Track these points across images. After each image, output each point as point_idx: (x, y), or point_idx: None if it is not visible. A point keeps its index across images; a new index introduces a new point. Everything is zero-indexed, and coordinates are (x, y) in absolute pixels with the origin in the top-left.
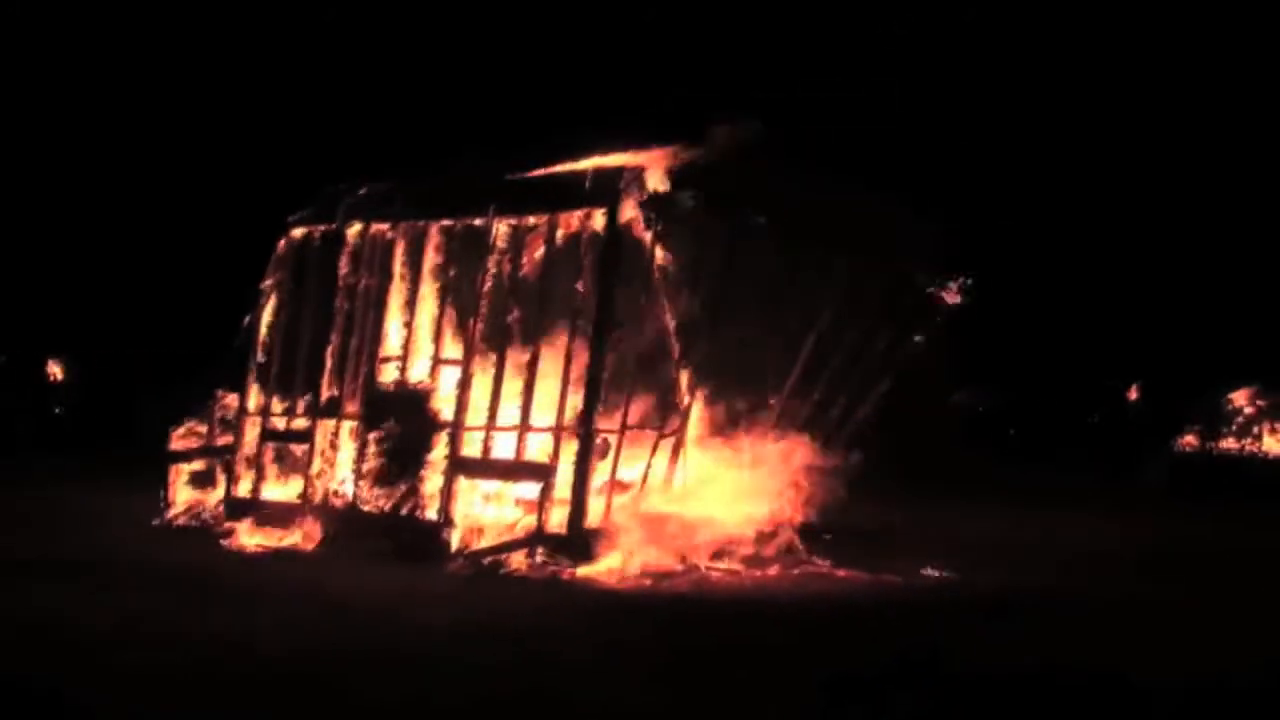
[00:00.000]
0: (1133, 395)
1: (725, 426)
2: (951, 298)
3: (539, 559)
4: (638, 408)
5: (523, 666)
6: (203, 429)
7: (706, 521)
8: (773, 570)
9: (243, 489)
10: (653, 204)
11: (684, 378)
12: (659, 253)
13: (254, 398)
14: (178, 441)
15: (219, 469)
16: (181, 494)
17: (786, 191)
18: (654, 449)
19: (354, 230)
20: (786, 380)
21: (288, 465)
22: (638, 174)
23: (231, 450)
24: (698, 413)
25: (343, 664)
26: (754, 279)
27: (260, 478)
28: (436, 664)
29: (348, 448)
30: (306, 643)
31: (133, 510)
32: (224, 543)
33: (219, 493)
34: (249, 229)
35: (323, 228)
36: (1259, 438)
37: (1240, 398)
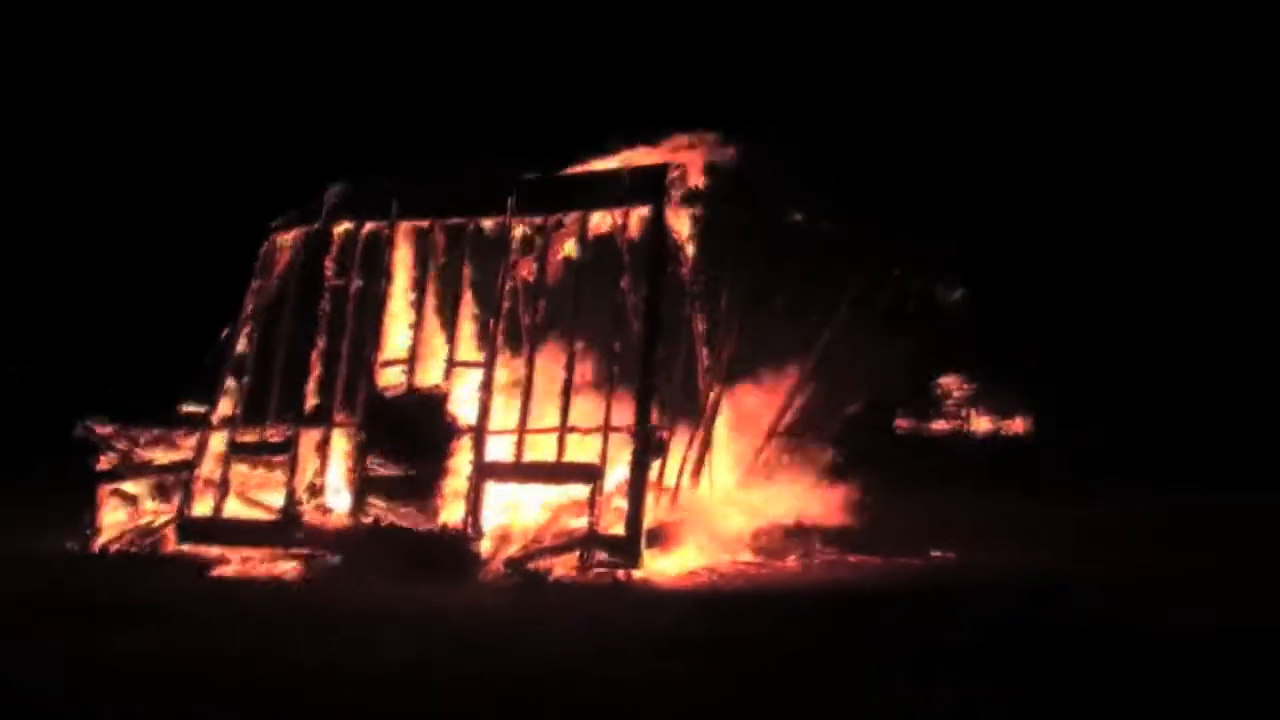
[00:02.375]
0: None
1: (745, 425)
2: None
3: (592, 562)
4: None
5: (693, 680)
6: (135, 444)
7: (734, 517)
8: (792, 561)
9: (201, 509)
10: (694, 201)
11: (709, 379)
12: (691, 251)
13: (222, 409)
14: (107, 461)
15: (165, 487)
16: (109, 517)
17: (803, 199)
18: (689, 447)
19: (342, 229)
20: (799, 379)
21: (254, 482)
22: (682, 171)
23: (189, 466)
24: (723, 412)
25: (544, 687)
26: (781, 280)
27: (224, 495)
28: (624, 682)
29: (341, 457)
30: (477, 668)
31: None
32: (203, 567)
33: (163, 513)
34: (223, 234)
35: (307, 230)
36: (966, 419)
37: (949, 383)
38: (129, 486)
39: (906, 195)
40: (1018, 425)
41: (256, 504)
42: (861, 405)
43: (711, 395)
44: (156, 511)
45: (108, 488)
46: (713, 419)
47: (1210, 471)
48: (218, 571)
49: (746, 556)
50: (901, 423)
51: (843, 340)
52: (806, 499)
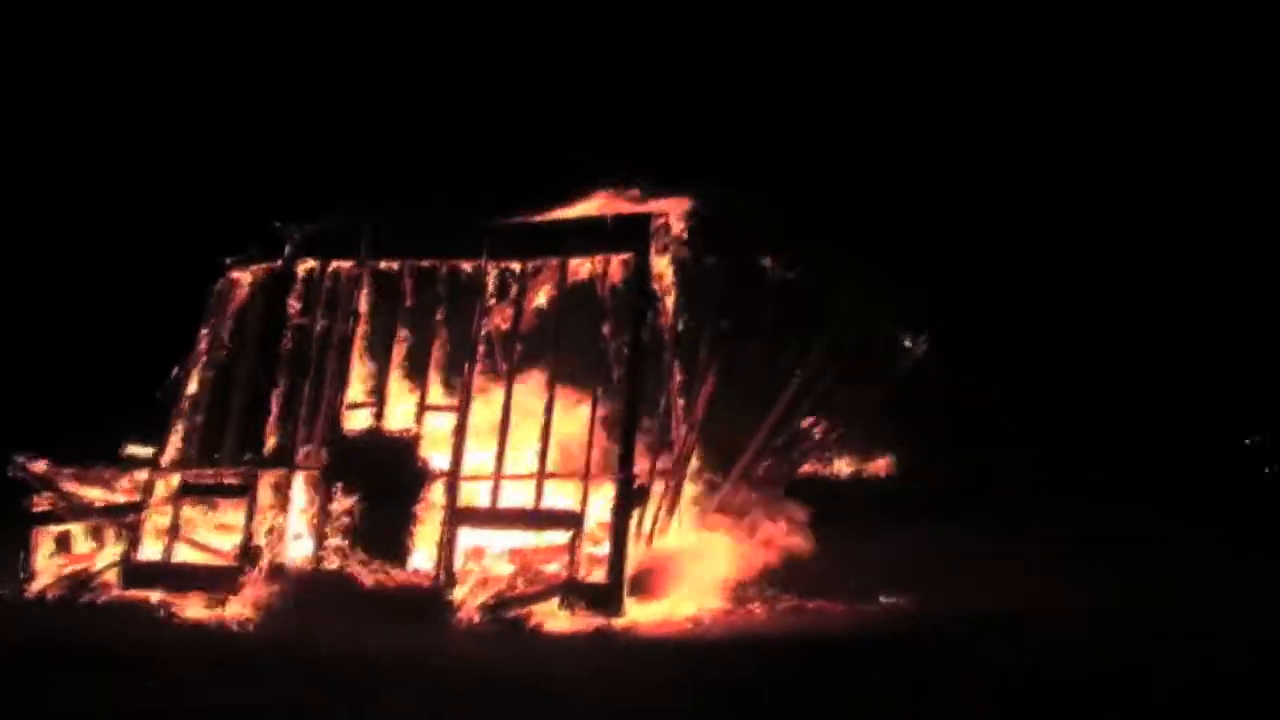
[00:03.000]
0: None
1: (712, 473)
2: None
3: (570, 610)
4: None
5: None
6: (74, 485)
7: (705, 563)
8: (757, 607)
9: (147, 552)
10: (675, 249)
11: (684, 427)
12: (671, 299)
13: (172, 449)
14: (43, 502)
15: (100, 530)
16: (43, 561)
17: (786, 252)
18: (663, 493)
19: (306, 268)
20: (762, 429)
21: (206, 525)
22: (664, 219)
23: (135, 508)
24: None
25: None
26: (756, 327)
27: (173, 539)
28: None
29: (302, 500)
30: None
31: None
32: (155, 614)
33: (103, 557)
34: (166, 270)
35: (266, 267)
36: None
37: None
38: (65, 528)
39: (879, 244)
40: (880, 465)
41: (208, 549)
42: (821, 454)
43: (686, 442)
44: (92, 555)
45: (43, 530)
46: (686, 465)
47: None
48: (168, 618)
49: (717, 603)
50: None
51: (810, 389)
52: (765, 544)
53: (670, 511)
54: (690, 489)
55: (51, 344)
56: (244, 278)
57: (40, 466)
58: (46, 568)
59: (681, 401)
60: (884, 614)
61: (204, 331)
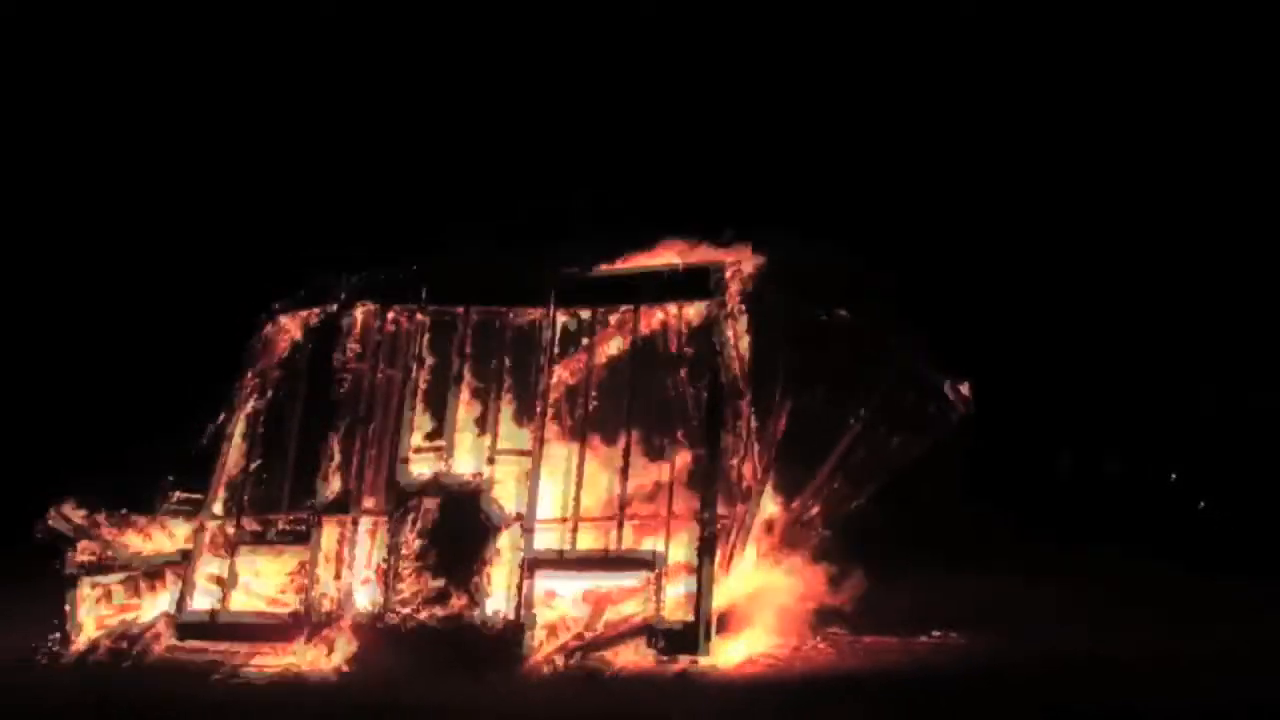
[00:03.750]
0: None
1: (776, 513)
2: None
3: (652, 652)
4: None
5: None
6: (115, 533)
7: (773, 601)
8: (820, 642)
9: (199, 603)
10: (746, 299)
11: (756, 468)
12: (744, 346)
13: (221, 497)
14: (82, 553)
15: (135, 581)
16: (85, 614)
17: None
18: (735, 534)
19: (363, 313)
20: (822, 471)
21: (262, 574)
22: (736, 268)
23: (184, 558)
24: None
25: None
26: (819, 376)
27: (229, 589)
28: None
29: (367, 548)
30: None
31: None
32: (217, 669)
33: (149, 609)
34: (198, 316)
35: (318, 312)
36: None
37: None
38: (105, 581)
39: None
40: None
41: (266, 598)
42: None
43: (758, 482)
44: (135, 608)
45: (82, 583)
46: (757, 506)
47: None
48: (232, 673)
49: (784, 640)
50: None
51: (864, 437)
52: (820, 581)
53: (740, 551)
54: (757, 529)
55: (86, 390)
56: (293, 323)
57: (79, 515)
58: (87, 623)
59: (754, 444)
60: (937, 648)
61: (249, 376)
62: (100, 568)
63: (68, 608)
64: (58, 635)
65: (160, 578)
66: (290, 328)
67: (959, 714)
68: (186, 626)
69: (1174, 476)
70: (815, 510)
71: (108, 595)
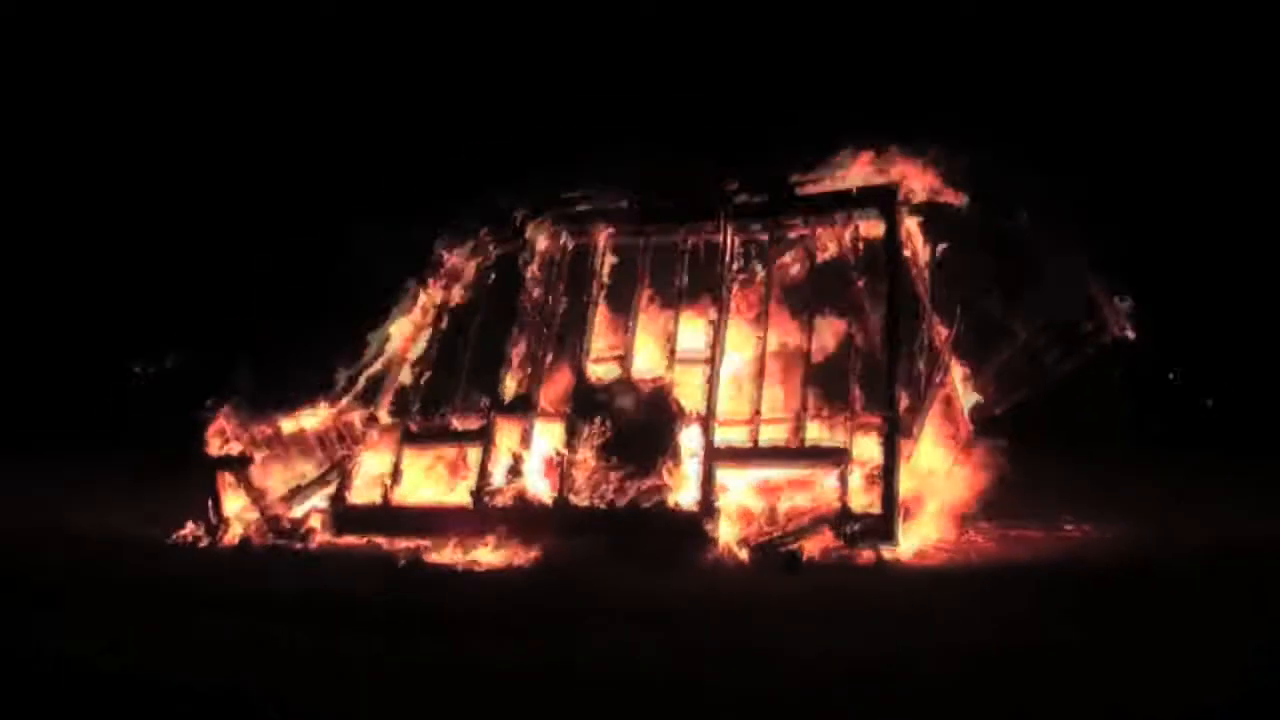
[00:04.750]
0: None
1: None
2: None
3: (842, 542)
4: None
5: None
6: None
7: (941, 494)
8: (976, 535)
9: (360, 496)
10: (923, 213)
11: (933, 367)
12: (923, 259)
13: (388, 398)
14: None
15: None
16: (230, 505)
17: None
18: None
19: (539, 236)
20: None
21: (430, 470)
22: (911, 188)
23: (345, 450)
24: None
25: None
26: (994, 283)
27: (393, 483)
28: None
29: (545, 444)
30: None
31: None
32: (394, 561)
33: (301, 503)
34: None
35: (491, 235)
36: None
37: None
38: (254, 474)
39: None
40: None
41: (433, 492)
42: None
43: (934, 382)
44: (282, 501)
45: (228, 475)
46: (930, 403)
47: None
48: (413, 565)
49: (950, 531)
50: None
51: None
52: (976, 473)
53: (914, 446)
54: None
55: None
56: (465, 246)
57: (234, 412)
58: (237, 515)
59: (932, 344)
60: (1079, 539)
61: (423, 289)
62: (243, 460)
63: (211, 500)
64: (204, 523)
65: (305, 472)
66: (462, 250)
67: (1143, 604)
68: (343, 518)
69: None
70: (982, 409)
71: (251, 489)
